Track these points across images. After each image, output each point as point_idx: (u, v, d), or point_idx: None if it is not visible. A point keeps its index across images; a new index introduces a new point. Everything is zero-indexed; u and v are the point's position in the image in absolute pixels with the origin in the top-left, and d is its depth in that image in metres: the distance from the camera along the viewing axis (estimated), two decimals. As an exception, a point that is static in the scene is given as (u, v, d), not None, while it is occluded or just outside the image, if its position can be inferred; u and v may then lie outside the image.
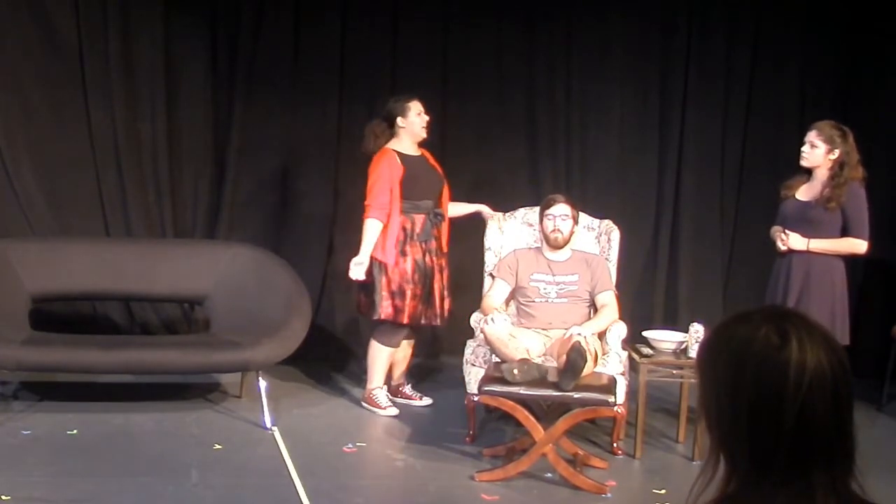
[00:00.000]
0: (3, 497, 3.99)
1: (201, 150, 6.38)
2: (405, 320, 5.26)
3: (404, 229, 5.22)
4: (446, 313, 5.42)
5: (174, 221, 6.36)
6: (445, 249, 5.40)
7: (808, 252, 4.64)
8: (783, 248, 4.69)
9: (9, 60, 5.97)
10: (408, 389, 5.58)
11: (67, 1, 6.03)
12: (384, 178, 5.16)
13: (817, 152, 4.64)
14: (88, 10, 6.06)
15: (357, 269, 5.14)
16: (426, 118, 5.32)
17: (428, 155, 5.44)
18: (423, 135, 5.33)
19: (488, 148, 6.51)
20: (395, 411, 5.34)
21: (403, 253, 5.21)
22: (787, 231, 4.70)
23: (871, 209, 4.72)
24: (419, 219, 5.26)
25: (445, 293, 5.39)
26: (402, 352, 5.51)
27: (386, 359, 5.39)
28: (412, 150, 5.32)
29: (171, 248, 5.85)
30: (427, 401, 5.55)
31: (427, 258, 5.27)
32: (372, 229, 5.15)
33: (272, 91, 6.31)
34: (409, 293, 5.22)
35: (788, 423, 1.28)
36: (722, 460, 1.35)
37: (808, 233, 4.67)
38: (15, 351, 4.86)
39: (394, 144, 5.29)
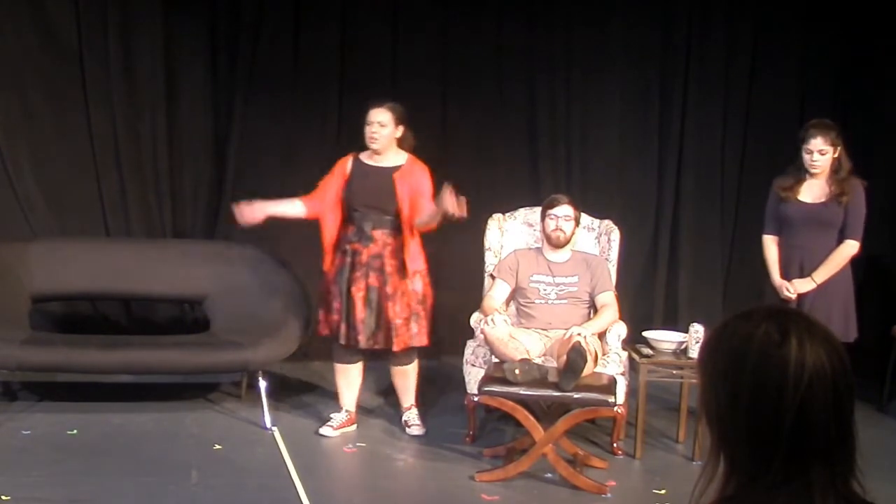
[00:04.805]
0: (3, 497, 3.99)
1: (201, 150, 6.39)
2: (324, 331, 5.02)
3: (338, 241, 4.99)
4: (397, 339, 4.89)
5: (174, 221, 6.36)
6: (409, 272, 4.88)
7: (817, 285, 4.68)
8: (793, 297, 4.72)
9: (9, 61, 5.98)
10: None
11: (67, 1, 6.04)
12: (327, 176, 5.05)
13: (827, 157, 4.66)
14: (88, 10, 6.06)
15: (250, 210, 4.95)
16: (369, 129, 4.93)
17: (405, 170, 4.94)
18: (368, 145, 5.00)
19: (488, 149, 6.51)
20: (331, 432, 5.02)
21: (332, 263, 4.99)
22: (790, 283, 4.73)
23: (871, 209, 4.73)
24: (351, 229, 4.98)
25: (407, 320, 4.91)
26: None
27: (340, 377, 5.11)
28: (370, 157, 5.02)
29: (171, 248, 5.86)
30: (416, 430, 5.10)
31: (372, 279, 4.87)
32: (289, 203, 5.02)
33: (272, 91, 6.31)
34: (333, 305, 4.95)
35: (788, 421, 1.28)
36: (722, 460, 1.35)
37: (821, 234, 4.69)
38: (15, 351, 4.87)
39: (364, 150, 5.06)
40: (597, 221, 5.41)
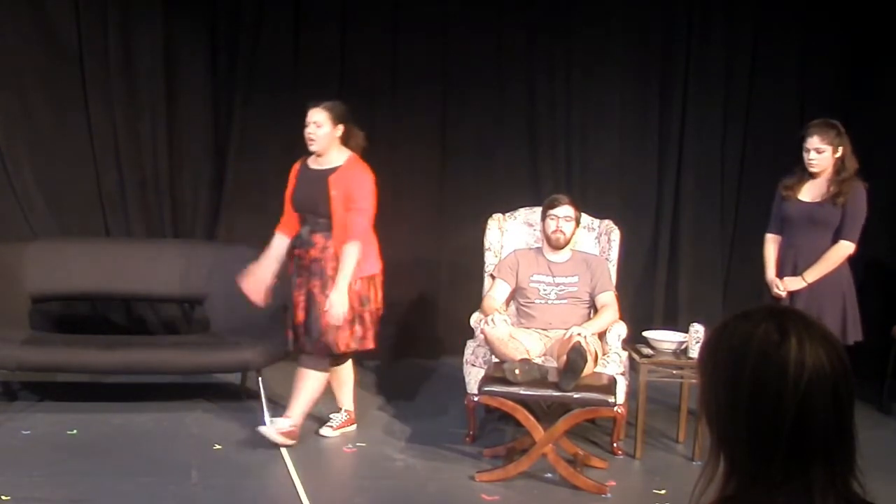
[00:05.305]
0: (3, 497, 3.99)
1: (201, 150, 6.40)
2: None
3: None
4: (338, 339, 4.73)
5: (174, 221, 6.37)
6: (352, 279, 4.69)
7: (808, 285, 4.68)
8: (783, 294, 4.72)
9: (9, 60, 5.98)
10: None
11: (67, 1, 6.04)
12: (286, 189, 4.93)
13: (825, 156, 4.65)
14: (88, 10, 6.07)
15: (255, 287, 4.91)
16: (306, 130, 4.79)
17: (341, 171, 4.75)
18: (308, 147, 4.81)
19: (488, 148, 6.51)
20: (331, 432, 5.03)
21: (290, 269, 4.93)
22: (781, 280, 4.74)
23: (871, 209, 4.72)
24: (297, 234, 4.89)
25: (350, 322, 4.71)
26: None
27: (330, 379, 5.01)
28: (315, 161, 4.85)
29: (171, 248, 5.86)
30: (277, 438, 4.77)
31: (313, 283, 4.75)
32: (275, 245, 4.90)
33: (272, 91, 6.31)
34: (291, 311, 4.88)
35: (787, 420, 1.27)
36: (722, 460, 1.35)
37: (816, 233, 4.69)
38: (15, 351, 4.87)
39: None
40: (597, 221, 5.41)
